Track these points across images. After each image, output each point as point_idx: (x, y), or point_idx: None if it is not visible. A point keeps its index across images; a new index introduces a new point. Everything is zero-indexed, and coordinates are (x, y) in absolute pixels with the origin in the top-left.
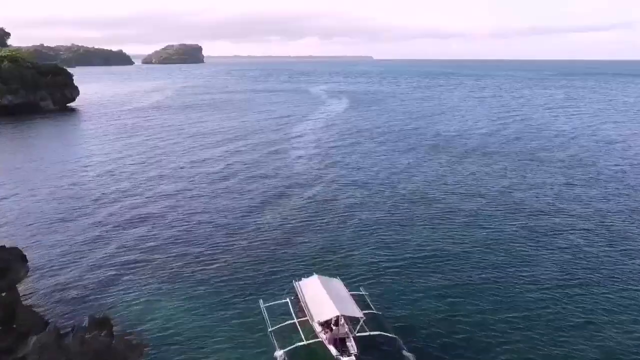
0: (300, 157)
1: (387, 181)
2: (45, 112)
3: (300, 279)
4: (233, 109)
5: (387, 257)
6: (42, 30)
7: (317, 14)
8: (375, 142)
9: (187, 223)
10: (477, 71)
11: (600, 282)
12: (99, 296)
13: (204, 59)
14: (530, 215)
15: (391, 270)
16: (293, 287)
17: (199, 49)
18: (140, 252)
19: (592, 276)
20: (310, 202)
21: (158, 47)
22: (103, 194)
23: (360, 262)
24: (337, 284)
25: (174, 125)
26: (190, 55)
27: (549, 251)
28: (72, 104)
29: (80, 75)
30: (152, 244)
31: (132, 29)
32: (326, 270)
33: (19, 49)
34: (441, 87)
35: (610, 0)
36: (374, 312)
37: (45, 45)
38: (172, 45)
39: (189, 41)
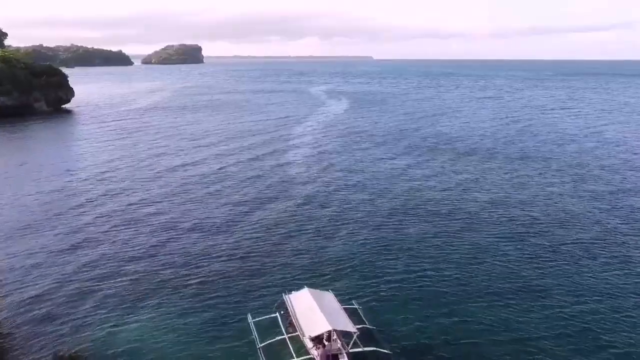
0: (294, 161)
1: (384, 186)
2: (38, 114)
3: (290, 292)
4: (230, 110)
5: (381, 269)
6: (42, 30)
7: (317, 14)
8: (372, 144)
9: (171, 231)
10: (478, 71)
11: (614, 302)
12: (70, 318)
13: (204, 59)
14: (538, 225)
15: (386, 282)
16: (283, 301)
17: (199, 49)
18: (119, 264)
19: (605, 295)
20: (303, 209)
21: (158, 47)
22: (87, 200)
23: (353, 274)
24: (329, 297)
25: (169, 128)
26: (190, 55)
27: (559, 266)
28: (66, 106)
29: (79, 76)
30: (132, 254)
31: (132, 29)
32: (317, 282)
33: (17, 49)
34: (442, 88)
35: (610, 0)
36: (368, 326)
37: (44, 45)
38: (172, 46)
39: (188, 41)
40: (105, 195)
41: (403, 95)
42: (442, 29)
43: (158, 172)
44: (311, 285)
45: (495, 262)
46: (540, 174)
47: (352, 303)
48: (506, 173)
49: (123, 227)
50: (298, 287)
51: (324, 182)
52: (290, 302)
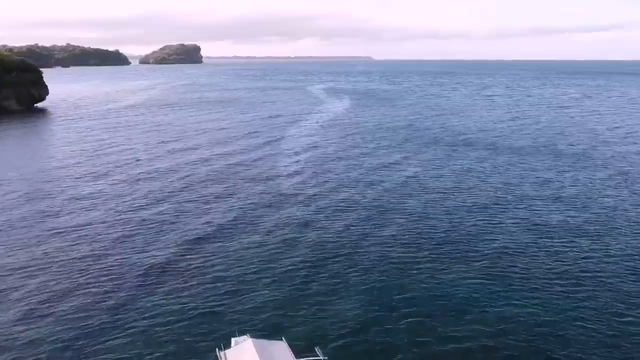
0: (261, 161)
1: (362, 200)
2: (7, 113)
3: (227, 346)
4: (217, 108)
5: (352, 306)
6: (43, 31)
7: (317, 14)
8: (363, 145)
9: (94, 260)
10: (478, 70)
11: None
12: None
13: (203, 60)
14: (554, 250)
15: (359, 324)
16: (216, 358)
17: (198, 49)
18: (17, 292)
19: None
20: (253, 226)
21: (157, 48)
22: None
23: (316, 314)
24: (281, 349)
25: (143, 127)
26: (188, 55)
27: (578, 297)
28: (40, 104)
29: (70, 75)
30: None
31: (132, 30)
32: (266, 328)
33: (11, 49)
34: (441, 88)
35: (610, 0)
36: None
37: (40, 45)
38: (171, 46)
39: (188, 42)
40: (39, 212)
41: (404, 96)
42: (442, 30)
43: (110, 186)
44: (257, 334)
45: (493, 296)
46: (556, 179)
47: (315, 352)
48: (520, 183)
49: (36, 255)
50: (239, 334)
51: (281, 197)
52: None
